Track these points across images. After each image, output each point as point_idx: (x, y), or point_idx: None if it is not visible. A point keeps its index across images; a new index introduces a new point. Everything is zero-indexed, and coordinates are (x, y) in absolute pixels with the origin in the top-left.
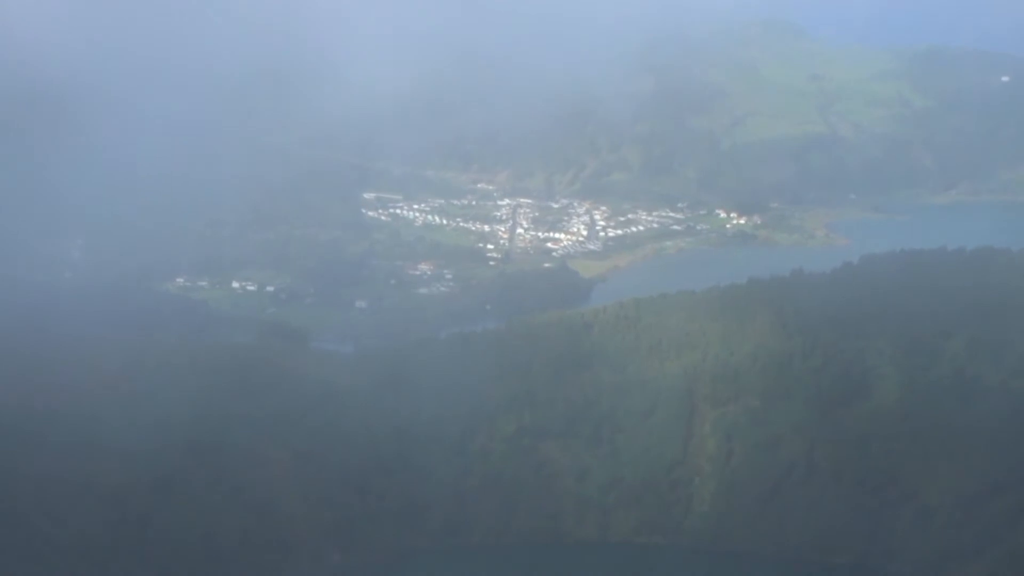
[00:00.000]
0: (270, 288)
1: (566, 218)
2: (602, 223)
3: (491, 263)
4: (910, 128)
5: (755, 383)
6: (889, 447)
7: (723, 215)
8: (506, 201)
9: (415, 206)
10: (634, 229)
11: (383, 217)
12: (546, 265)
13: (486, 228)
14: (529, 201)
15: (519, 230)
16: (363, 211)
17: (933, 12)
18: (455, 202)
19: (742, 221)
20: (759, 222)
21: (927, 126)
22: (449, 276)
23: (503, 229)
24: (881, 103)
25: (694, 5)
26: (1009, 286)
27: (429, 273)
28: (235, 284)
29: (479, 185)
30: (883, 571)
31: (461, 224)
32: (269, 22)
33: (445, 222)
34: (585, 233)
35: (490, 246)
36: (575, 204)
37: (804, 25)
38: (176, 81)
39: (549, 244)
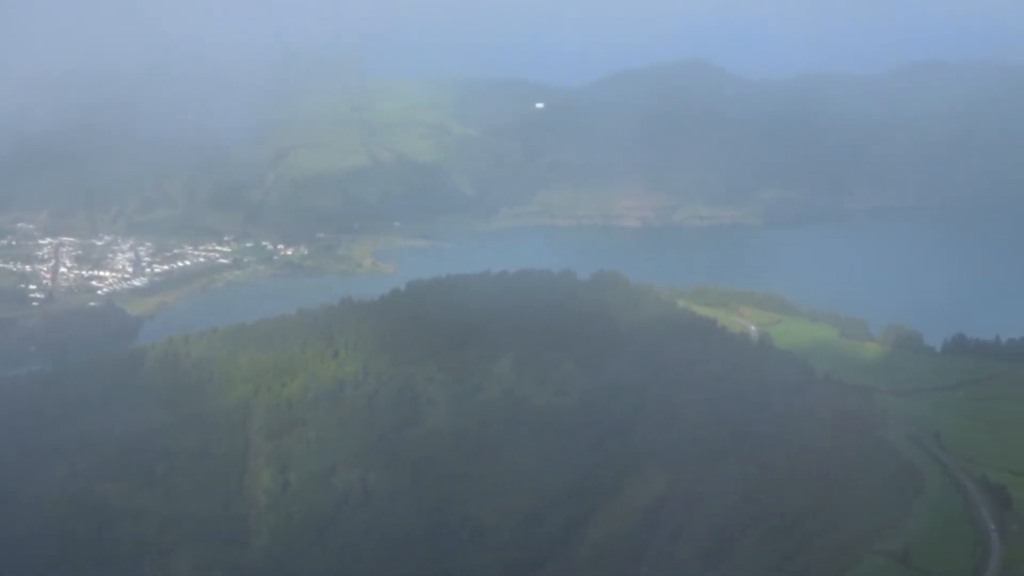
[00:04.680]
0: None
1: (110, 255)
2: (148, 259)
3: (34, 304)
4: (452, 156)
5: (309, 413)
6: (442, 470)
7: (269, 247)
8: (48, 240)
9: None
10: (181, 264)
11: None
12: (92, 304)
13: (27, 268)
14: (72, 239)
15: (62, 269)
16: None
17: (476, 44)
18: None
19: (289, 252)
20: (306, 253)
21: (468, 153)
22: None
23: (45, 268)
24: (423, 133)
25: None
26: (550, 307)
27: None
28: None
29: (19, 225)
30: None
31: (1, 265)
32: None
33: None
34: (131, 270)
35: (32, 286)
36: (119, 241)
37: (350, 58)
38: None
39: (94, 282)
